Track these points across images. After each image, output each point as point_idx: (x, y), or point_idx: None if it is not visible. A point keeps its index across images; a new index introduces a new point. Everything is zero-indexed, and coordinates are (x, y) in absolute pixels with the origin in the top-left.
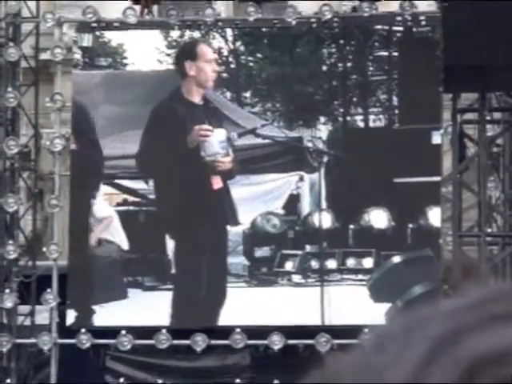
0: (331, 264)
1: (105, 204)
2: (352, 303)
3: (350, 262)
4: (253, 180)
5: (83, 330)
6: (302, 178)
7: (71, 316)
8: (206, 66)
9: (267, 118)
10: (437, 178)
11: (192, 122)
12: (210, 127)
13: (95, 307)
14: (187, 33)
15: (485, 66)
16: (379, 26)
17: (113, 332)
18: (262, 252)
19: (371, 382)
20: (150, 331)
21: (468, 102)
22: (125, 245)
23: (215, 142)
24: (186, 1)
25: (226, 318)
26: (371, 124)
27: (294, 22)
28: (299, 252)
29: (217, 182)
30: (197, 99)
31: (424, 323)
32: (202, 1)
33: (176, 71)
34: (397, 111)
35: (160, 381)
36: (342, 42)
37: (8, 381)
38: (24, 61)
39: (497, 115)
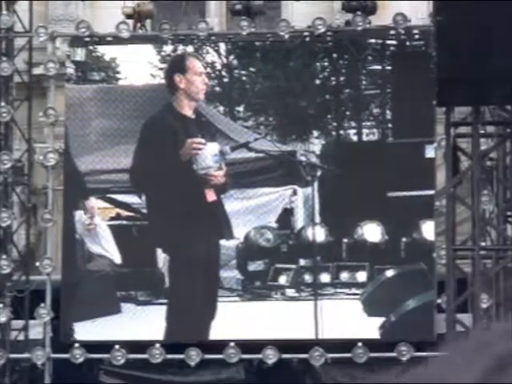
0: (325, 278)
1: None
2: (346, 317)
3: (344, 276)
4: (246, 194)
5: (77, 345)
6: (295, 192)
7: (64, 331)
8: (196, 78)
9: (260, 132)
10: (430, 192)
11: (185, 135)
12: (203, 140)
13: (88, 322)
14: (180, 47)
15: (479, 80)
16: (372, 40)
17: (106, 347)
18: (255, 266)
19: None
20: (143, 346)
21: (461, 115)
22: (117, 259)
23: (208, 155)
24: (180, 12)
25: (219, 333)
26: (364, 138)
27: (286, 36)
28: (293, 266)
29: (210, 196)
30: (189, 112)
31: (491, 342)
32: (194, 15)
33: (166, 85)
34: (390, 125)
35: None
36: (335, 55)
37: None
38: (17, 75)
39: (490, 129)
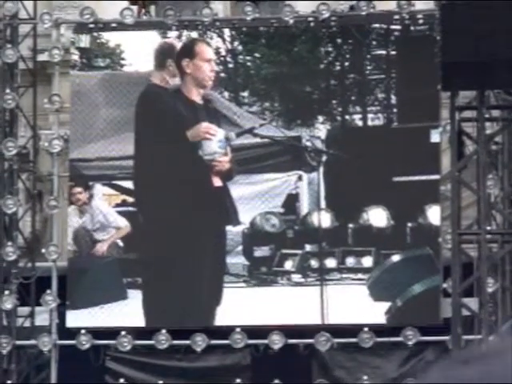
0: (331, 263)
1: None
2: (352, 302)
3: (350, 261)
4: (252, 179)
5: (83, 331)
6: (300, 178)
7: (71, 317)
8: (204, 64)
9: (265, 118)
10: (436, 177)
11: (193, 121)
12: (217, 128)
13: (95, 308)
14: (185, 33)
15: (483, 64)
16: (377, 25)
17: (112, 333)
18: (261, 252)
19: None
20: (149, 332)
21: (466, 99)
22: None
23: (214, 141)
24: (184, 1)
25: (225, 318)
26: (370, 123)
27: (291, 21)
28: (299, 251)
29: (216, 182)
30: (197, 98)
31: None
32: (199, 0)
33: (176, 69)
34: (395, 110)
35: (160, 381)
36: (339, 40)
37: (9, 382)
38: (22, 62)
39: (495, 113)
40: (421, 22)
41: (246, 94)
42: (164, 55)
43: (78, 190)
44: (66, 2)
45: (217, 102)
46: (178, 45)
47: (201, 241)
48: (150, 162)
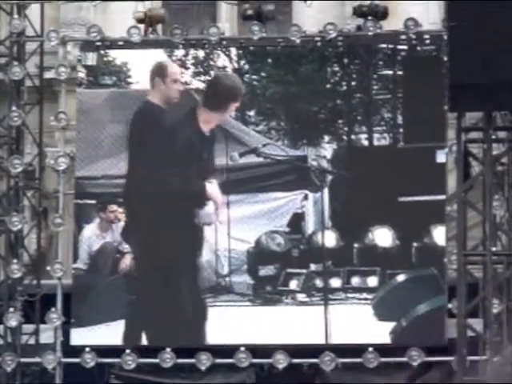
0: (336, 283)
1: None
2: (356, 322)
3: (355, 281)
4: (258, 198)
5: (88, 349)
6: (306, 197)
7: (75, 335)
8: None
9: (271, 137)
10: (441, 197)
11: (184, 138)
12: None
13: (100, 326)
14: (192, 51)
15: (490, 85)
16: (384, 45)
17: (117, 351)
18: (266, 271)
19: None
20: (154, 350)
21: (473, 120)
22: None
23: (209, 212)
24: (191, 19)
25: (230, 337)
26: (376, 143)
27: (298, 41)
28: (304, 271)
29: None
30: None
31: None
32: (206, 20)
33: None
34: (401, 130)
35: None
36: (346, 60)
37: None
38: (28, 79)
39: (501, 134)
40: (427, 42)
41: (252, 113)
42: (153, 74)
43: (116, 208)
44: (73, 20)
45: (225, 122)
46: (169, 64)
47: (177, 262)
48: (140, 181)
